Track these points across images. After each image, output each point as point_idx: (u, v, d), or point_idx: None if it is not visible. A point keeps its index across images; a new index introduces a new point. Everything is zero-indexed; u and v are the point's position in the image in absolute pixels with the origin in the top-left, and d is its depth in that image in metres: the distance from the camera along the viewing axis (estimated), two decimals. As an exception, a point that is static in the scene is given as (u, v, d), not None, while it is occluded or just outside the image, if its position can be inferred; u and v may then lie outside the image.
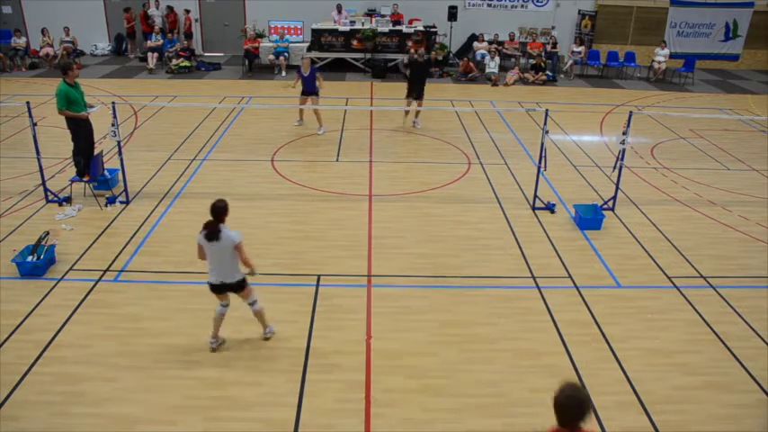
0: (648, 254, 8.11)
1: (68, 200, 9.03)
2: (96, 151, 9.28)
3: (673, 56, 19.40)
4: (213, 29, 20.29)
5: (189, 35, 19.27)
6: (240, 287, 5.79)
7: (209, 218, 5.51)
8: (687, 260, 7.98)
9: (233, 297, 5.91)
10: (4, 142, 11.59)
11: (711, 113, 14.62)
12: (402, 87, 14.52)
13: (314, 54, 18.38)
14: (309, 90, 12.44)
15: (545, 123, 8.86)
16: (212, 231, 5.47)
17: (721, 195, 10.13)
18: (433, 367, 5.86)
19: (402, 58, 17.95)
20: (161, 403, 5.31)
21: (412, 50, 15.29)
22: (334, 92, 13.97)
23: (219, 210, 5.48)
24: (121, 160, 9.23)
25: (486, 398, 5.48)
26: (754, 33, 20.40)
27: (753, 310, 6.90)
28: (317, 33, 18.21)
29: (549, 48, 18.93)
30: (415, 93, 12.69)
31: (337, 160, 11.31)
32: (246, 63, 17.84)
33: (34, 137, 8.73)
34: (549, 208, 9.29)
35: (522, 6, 20.08)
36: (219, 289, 5.76)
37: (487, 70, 18.01)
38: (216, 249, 5.52)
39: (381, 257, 7.82)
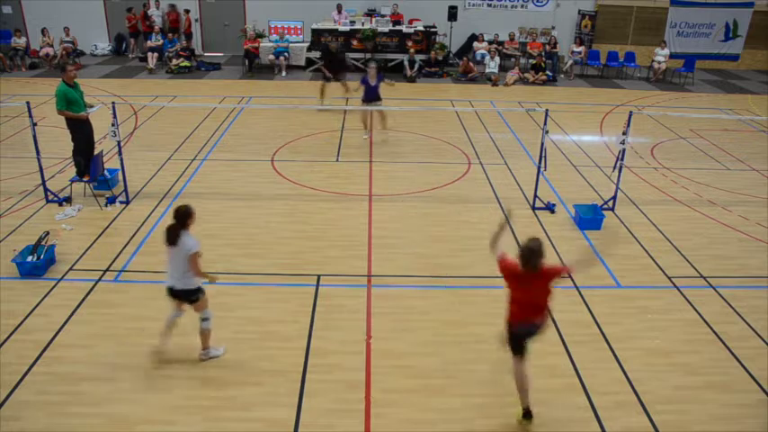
0: (648, 254, 8.11)
1: (68, 200, 9.03)
2: (96, 151, 9.28)
3: (673, 56, 19.38)
4: (213, 29, 20.28)
5: (189, 35, 19.25)
6: (189, 299, 5.53)
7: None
8: (687, 260, 7.98)
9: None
10: (4, 142, 11.59)
11: (711, 113, 14.60)
12: (402, 87, 14.62)
13: (314, 54, 18.40)
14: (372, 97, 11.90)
15: (545, 123, 8.86)
16: (171, 235, 5.30)
17: (721, 195, 10.13)
18: (434, 367, 5.86)
19: (403, 58, 18.02)
20: (161, 403, 5.31)
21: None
22: (334, 92, 13.99)
23: (182, 214, 5.31)
24: (121, 160, 9.22)
25: (486, 398, 5.48)
26: (754, 33, 20.40)
27: (753, 310, 6.90)
28: (316, 33, 18.21)
29: (548, 48, 18.93)
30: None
31: (337, 160, 11.31)
32: (246, 63, 17.85)
33: (34, 137, 8.73)
34: (549, 208, 9.29)
35: (522, 6, 20.07)
36: (170, 293, 5.53)
37: (487, 70, 18.00)
38: (173, 254, 5.36)
39: (381, 257, 7.81)
